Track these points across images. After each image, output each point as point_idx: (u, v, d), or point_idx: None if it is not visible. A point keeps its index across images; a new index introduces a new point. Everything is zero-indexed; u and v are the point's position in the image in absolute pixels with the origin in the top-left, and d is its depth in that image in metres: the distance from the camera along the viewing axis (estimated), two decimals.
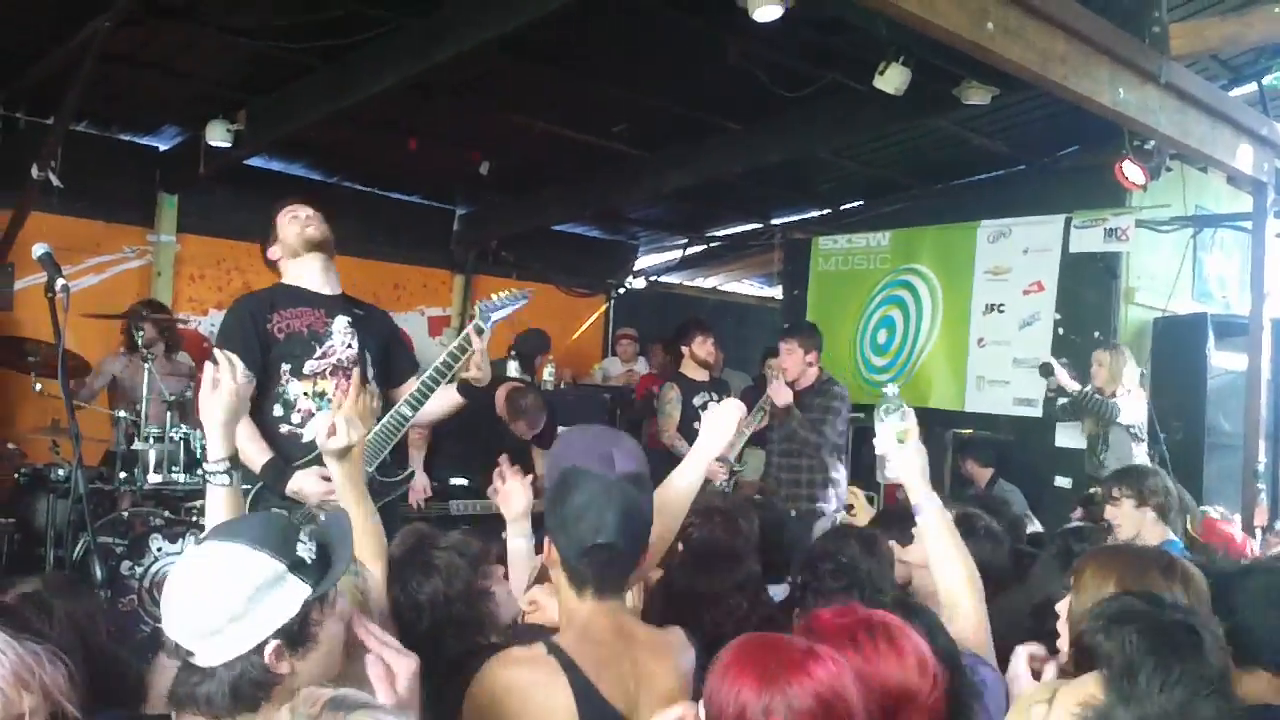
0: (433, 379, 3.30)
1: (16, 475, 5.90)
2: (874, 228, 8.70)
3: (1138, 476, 4.17)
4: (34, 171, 6.07)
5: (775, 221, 9.84)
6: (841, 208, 9.28)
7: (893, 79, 5.30)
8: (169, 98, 6.83)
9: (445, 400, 3.45)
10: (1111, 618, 1.72)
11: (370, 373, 3.49)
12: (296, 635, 1.71)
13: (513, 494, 2.99)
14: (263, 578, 1.69)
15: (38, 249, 3.16)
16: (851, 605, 1.92)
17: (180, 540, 5.19)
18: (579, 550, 2.06)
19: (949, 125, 7.03)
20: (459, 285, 9.55)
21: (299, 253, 3.54)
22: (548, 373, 8.34)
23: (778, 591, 3.28)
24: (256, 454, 3.27)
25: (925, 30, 4.10)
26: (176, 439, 5.58)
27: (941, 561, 2.56)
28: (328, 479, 3.03)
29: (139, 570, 5.20)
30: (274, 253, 3.61)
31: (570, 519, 2.05)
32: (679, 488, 2.53)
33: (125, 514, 5.44)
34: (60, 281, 3.08)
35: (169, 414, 5.64)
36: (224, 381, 2.34)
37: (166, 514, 5.48)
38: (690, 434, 6.58)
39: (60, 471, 5.58)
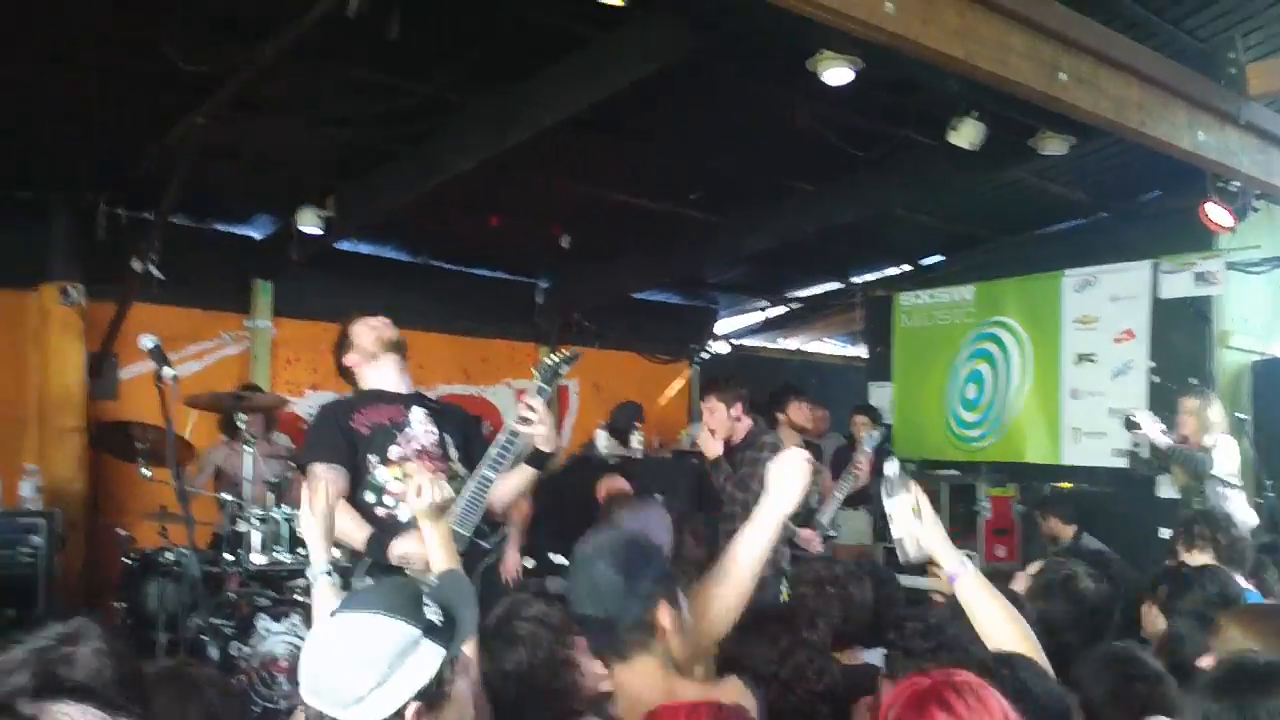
0: (509, 441, 3.44)
1: (127, 560, 6.09)
2: (956, 282, 8.65)
3: (1207, 522, 4.11)
4: (135, 265, 6.34)
5: (855, 280, 9.84)
6: (922, 263, 9.25)
7: (966, 134, 5.30)
8: (261, 188, 7.11)
9: (519, 477, 3.62)
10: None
11: (455, 454, 3.69)
12: (433, 695, 1.78)
13: None
14: (400, 643, 1.76)
15: (146, 341, 3.32)
16: (934, 669, 1.91)
17: (284, 619, 5.28)
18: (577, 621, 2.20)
19: (1027, 176, 6.99)
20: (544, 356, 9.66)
21: (376, 355, 3.77)
22: (635, 440, 8.38)
23: (873, 656, 3.26)
24: (356, 532, 3.45)
25: (998, 85, 4.13)
26: (279, 519, 5.70)
27: (991, 624, 2.41)
28: None
29: (247, 650, 5.30)
30: (350, 359, 3.84)
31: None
32: (743, 555, 2.52)
33: (232, 595, 5.55)
34: (169, 371, 3.22)
35: (270, 495, 5.78)
36: (318, 503, 2.58)
37: (271, 594, 5.57)
38: None
39: (169, 555, 5.74)
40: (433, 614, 1.84)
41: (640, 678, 2.13)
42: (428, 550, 2.63)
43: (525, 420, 3.43)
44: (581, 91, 5.18)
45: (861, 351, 10.45)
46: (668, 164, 6.87)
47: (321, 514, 2.65)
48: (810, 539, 5.98)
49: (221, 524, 5.84)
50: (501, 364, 9.43)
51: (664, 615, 2.17)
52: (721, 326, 11.40)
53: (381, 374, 3.80)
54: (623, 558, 2.24)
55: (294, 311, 8.08)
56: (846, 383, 10.96)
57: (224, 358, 7.66)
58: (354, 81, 5.43)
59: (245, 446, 5.84)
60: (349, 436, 3.62)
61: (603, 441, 7.85)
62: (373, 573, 3.45)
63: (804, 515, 6.04)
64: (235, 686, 2.87)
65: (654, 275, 9.22)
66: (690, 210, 7.69)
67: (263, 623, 5.33)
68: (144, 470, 5.95)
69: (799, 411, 6.36)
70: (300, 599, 5.28)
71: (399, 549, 3.39)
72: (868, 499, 7.64)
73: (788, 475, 2.58)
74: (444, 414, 3.86)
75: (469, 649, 2.35)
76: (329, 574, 2.61)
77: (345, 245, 7.78)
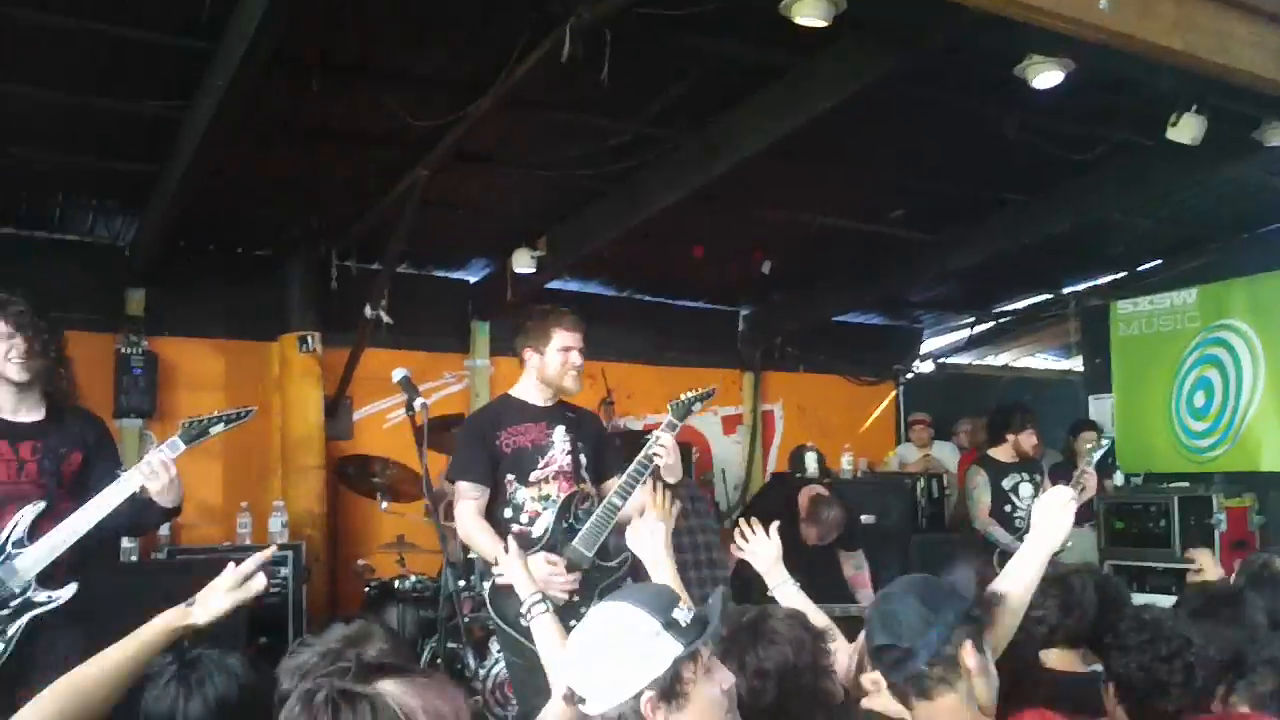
0: (638, 472, 3.71)
1: (366, 589, 6.46)
2: (1177, 286, 8.27)
3: None
4: (367, 312, 6.74)
5: (1067, 290, 9.51)
6: (1139, 269, 8.87)
7: (1187, 130, 5.09)
8: (476, 233, 7.47)
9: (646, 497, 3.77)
10: None
11: (586, 475, 3.99)
12: (669, 690, 1.87)
13: (758, 545, 3.11)
14: (639, 632, 1.88)
15: (397, 373, 3.58)
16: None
17: None
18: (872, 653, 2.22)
19: (1251, 170, 6.65)
20: (748, 383, 9.73)
21: (553, 386, 4.01)
22: (845, 462, 8.34)
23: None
24: (491, 546, 3.72)
25: (1222, 77, 3.98)
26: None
27: None
28: (553, 564, 3.69)
29: (482, 672, 5.55)
30: (529, 356, 4.06)
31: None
32: (1016, 591, 2.51)
33: (466, 619, 5.82)
34: (419, 400, 3.44)
35: None
36: (511, 558, 2.88)
37: None
38: (1001, 518, 6.43)
39: (407, 583, 6.07)
40: (681, 615, 1.93)
41: (943, 716, 2.12)
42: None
43: (657, 454, 3.68)
44: (782, 119, 5.26)
45: (1075, 365, 10.07)
46: (869, 184, 6.86)
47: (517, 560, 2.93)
48: None
49: (454, 551, 6.12)
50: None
51: (968, 655, 2.14)
52: (927, 345, 11.20)
53: (535, 390, 4.06)
54: (924, 591, 2.23)
55: (509, 350, 8.25)
56: (1060, 398, 10.59)
57: (447, 395, 8.04)
58: (563, 125, 5.67)
59: None
60: (493, 454, 3.91)
61: (812, 463, 7.86)
62: (500, 589, 3.73)
63: (1026, 532, 5.98)
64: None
65: (856, 297, 9.18)
66: (893, 229, 7.64)
67: (496, 646, 5.57)
68: (383, 504, 6.32)
69: (1029, 439, 6.23)
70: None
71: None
72: (1092, 515, 7.39)
73: (1054, 512, 2.59)
74: (581, 426, 4.10)
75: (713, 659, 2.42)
76: (542, 601, 2.81)
77: (555, 284, 8.05)
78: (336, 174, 6.26)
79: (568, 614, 3.45)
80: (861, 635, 2.52)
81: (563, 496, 3.91)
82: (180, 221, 6.17)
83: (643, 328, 9.00)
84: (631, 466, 3.74)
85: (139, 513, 3.48)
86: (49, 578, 3.32)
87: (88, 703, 1.64)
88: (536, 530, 3.87)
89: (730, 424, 9.65)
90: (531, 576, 2.95)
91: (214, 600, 2.01)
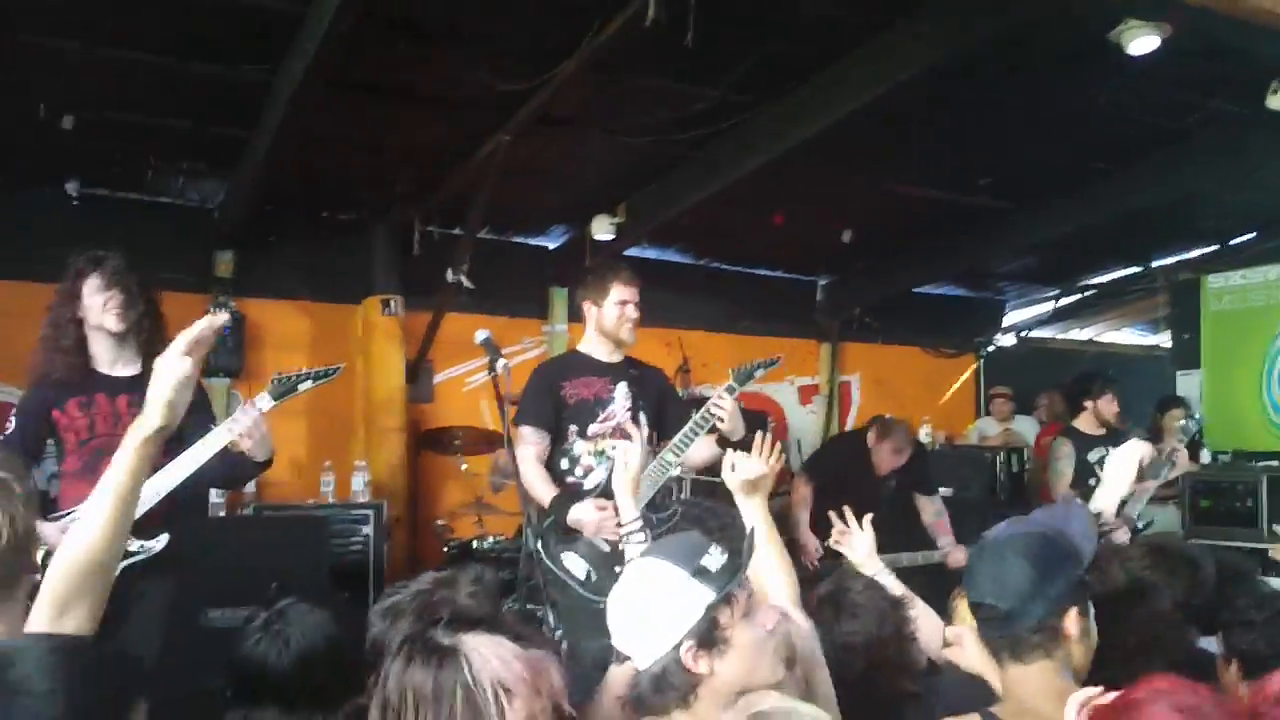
0: (693, 430, 3.83)
1: (445, 549, 6.57)
2: (1273, 259, 8.03)
3: None
4: (449, 276, 6.82)
5: (1156, 263, 9.28)
6: (1232, 242, 8.63)
7: None
8: (556, 199, 7.49)
9: (706, 450, 3.99)
10: None
11: (645, 432, 3.98)
12: (707, 637, 1.88)
13: (855, 538, 3.09)
14: (668, 585, 1.90)
15: (480, 334, 3.61)
16: None
17: None
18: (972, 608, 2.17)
19: None
20: (825, 354, 9.67)
21: (611, 338, 4.19)
22: (924, 434, 8.27)
23: (1209, 643, 3.11)
24: (546, 493, 3.94)
25: None
26: None
27: None
28: (603, 509, 3.73)
29: (558, 634, 5.61)
30: (587, 310, 4.24)
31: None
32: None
33: (540, 581, 5.89)
34: (501, 361, 3.48)
35: None
36: (632, 459, 2.82)
37: None
38: (1084, 492, 6.31)
39: (485, 543, 6.16)
40: (711, 560, 1.93)
41: (1036, 683, 2.07)
42: (748, 523, 2.71)
43: (716, 413, 3.79)
44: (867, 84, 5.19)
45: (1163, 340, 9.86)
46: (954, 153, 6.74)
47: (634, 470, 2.93)
48: (1117, 531, 5.75)
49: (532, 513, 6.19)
50: (784, 362, 9.48)
51: (1071, 622, 2.09)
52: (1010, 318, 11.03)
53: (600, 346, 4.23)
54: (1039, 554, 2.12)
55: None
56: (1146, 374, 10.38)
57: (526, 360, 8.12)
58: (646, 90, 5.65)
59: None
60: (557, 404, 4.07)
61: None
62: (551, 530, 3.92)
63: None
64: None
65: (938, 268, 9.06)
66: (978, 199, 7.51)
67: None
68: (463, 464, 6.40)
69: (1109, 406, 6.11)
70: None
71: (575, 514, 3.85)
72: (1177, 493, 7.24)
73: (1122, 466, 2.57)
74: (644, 384, 4.24)
75: (801, 628, 2.41)
76: (642, 530, 2.91)
77: (633, 251, 8.06)
78: (421, 138, 6.31)
79: (615, 560, 3.55)
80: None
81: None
82: (267, 185, 6.29)
83: (720, 296, 8.98)
84: (688, 425, 3.85)
85: (231, 467, 3.60)
86: (142, 528, 3.42)
87: (96, 553, 1.68)
88: (588, 483, 4.01)
89: (807, 394, 9.62)
90: (635, 503, 2.97)
91: (162, 395, 1.95)
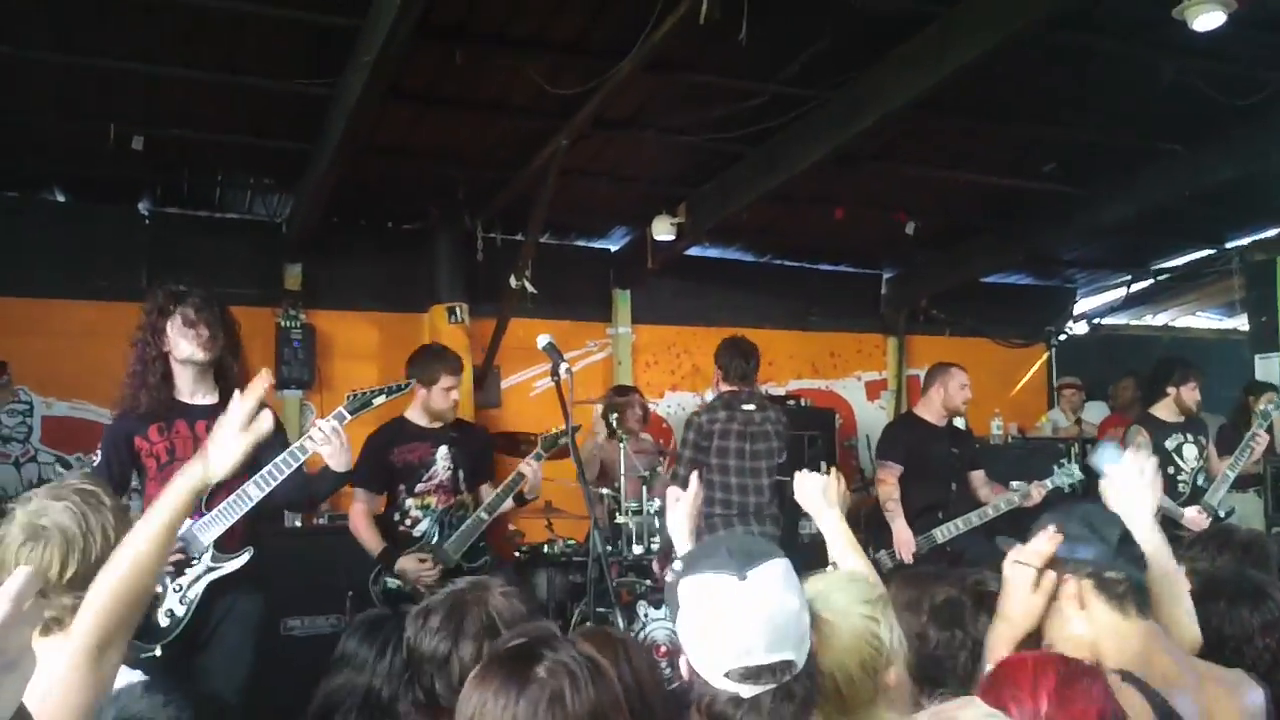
0: (503, 493, 4.87)
1: (517, 554, 6.60)
2: None
3: None
4: (512, 282, 6.87)
5: (1230, 244, 9.04)
6: None
7: None
8: (617, 202, 7.51)
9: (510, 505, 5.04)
10: None
11: (464, 487, 4.93)
12: None
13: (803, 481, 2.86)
14: (723, 591, 1.86)
15: (542, 339, 3.62)
16: None
17: (663, 606, 5.55)
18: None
19: None
20: (892, 348, 9.58)
21: (436, 416, 4.83)
22: (994, 426, 8.14)
23: None
24: (375, 545, 4.69)
25: None
26: (651, 512, 5.99)
27: None
28: (423, 560, 4.62)
29: (631, 635, 5.61)
30: (417, 388, 4.72)
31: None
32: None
33: (614, 584, 5.88)
34: (563, 365, 3.49)
35: (644, 489, 6.08)
36: (684, 500, 2.75)
37: (648, 582, 5.88)
38: (1162, 481, 6.14)
39: (555, 547, 6.18)
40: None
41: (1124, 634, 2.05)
42: (829, 538, 2.69)
43: (521, 478, 4.91)
44: (927, 71, 5.12)
45: (1240, 323, 9.60)
46: (1017, 138, 6.64)
47: (689, 508, 2.80)
48: (1196, 520, 5.64)
49: (602, 516, 6.19)
50: (849, 357, 9.43)
51: None
52: (1080, 306, 10.82)
53: (423, 413, 4.85)
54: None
55: (650, 317, 8.48)
56: (1225, 359, 10.12)
57: (591, 364, 8.15)
58: (702, 87, 5.63)
59: (620, 444, 6.18)
60: (387, 467, 4.73)
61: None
62: (381, 574, 4.71)
63: (1189, 496, 5.89)
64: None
65: (1004, 256, 8.90)
66: (1044, 184, 7.38)
67: (643, 609, 5.62)
68: None
69: (1191, 394, 5.95)
70: None
71: (400, 565, 4.63)
72: (1259, 480, 7.04)
73: (1130, 489, 2.50)
74: (464, 444, 4.96)
75: (898, 632, 2.31)
76: None
77: (694, 251, 8.05)
78: (479, 145, 6.38)
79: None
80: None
81: (440, 508, 4.82)
82: (332, 197, 6.38)
83: (782, 293, 8.94)
84: (499, 489, 4.87)
85: (310, 482, 3.67)
86: (224, 545, 3.59)
87: (139, 573, 1.69)
88: (415, 531, 4.77)
89: (874, 390, 9.53)
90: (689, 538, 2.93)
91: (227, 447, 1.98)
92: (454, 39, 4.98)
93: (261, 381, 2.27)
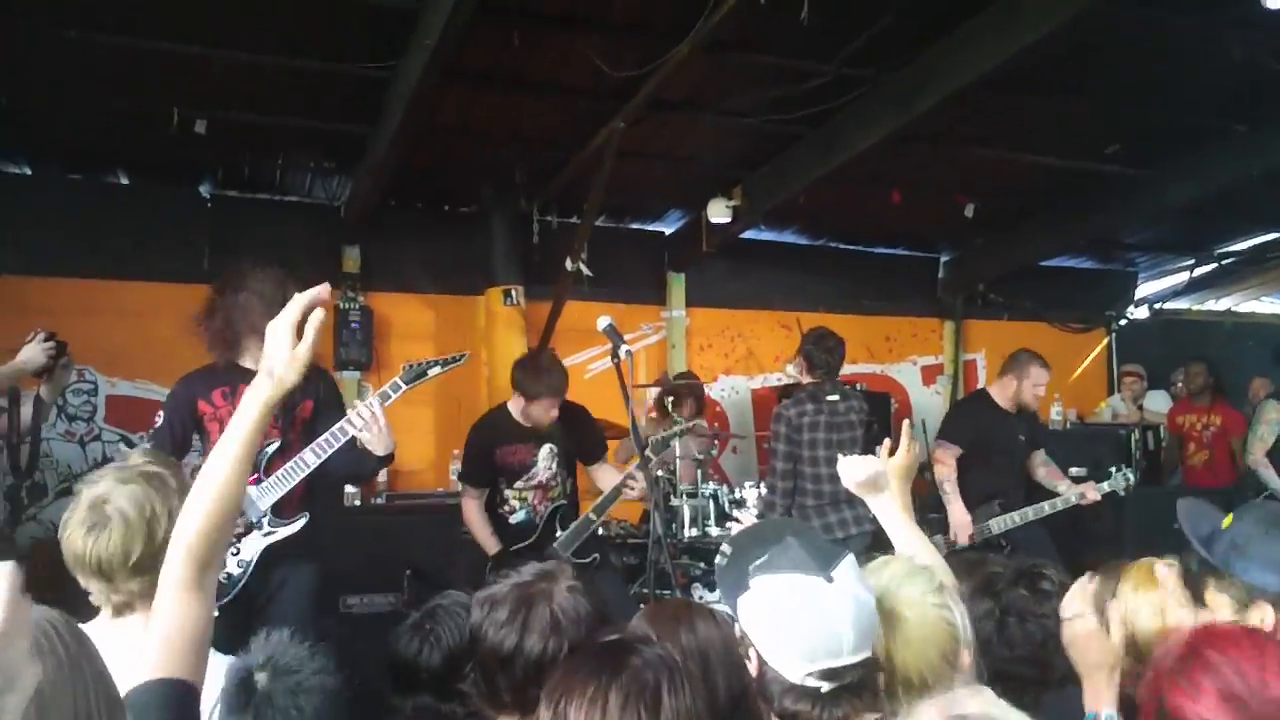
0: (610, 499, 4.89)
1: None
2: None
3: None
4: (568, 265, 6.87)
5: None
6: None
7: None
8: (673, 184, 7.49)
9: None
10: None
11: (566, 486, 5.16)
12: None
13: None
14: (809, 590, 1.83)
15: (602, 321, 3.62)
16: None
17: (717, 589, 5.55)
18: None
19: None
20: (949, 332, 9.47)
21: (535, 424, 4.86)
22: (1054, 412, 8.03)
23: None
24: (491, 544, 4.89)
25: None
26: (706, 495, 5.99)
27: None
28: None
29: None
30: (517, 395, 4.85)
31: None
32: None
33: (671, 564, 5.89)
34: (624, 348, 3.48)
35: (698, 472, 6.07)
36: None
37: (703, 565, 5.88)
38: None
39: (612, 528, 6.19)
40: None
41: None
42: (883, 521, 2.67)
43: (628, 486, 4.80)
44: (988, 51, 5.06)
45: None
46: (1080, 119, 6.53)
47: None
48: None
49: (659, 498, 6.19)
50: (906, 341, 9.34)
51: None
52: (1142, 290, 10.63)
53: (521, 414, 4.91)
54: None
55: (704, 300, 8.45)
56: None
57: (645, 347, 8.14)
58: (760, 68, 5.60)
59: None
60: (490, 467, 4.95)
61: None
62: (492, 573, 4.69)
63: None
64: None
65: (1065, 239, 8.77)
66: (1106, 166, 7.25)
67: (697, 591, 5.64)
68: None
69: None
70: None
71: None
72: None
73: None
74: (565, 436, 5.02)
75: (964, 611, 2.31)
76: None
77: (749, 234, 8.00)
78: (536, 128, 6.38)
79: None
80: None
81: (548, 507, 5.04)
82: (390, 180, 6.42)
83: (838, 276, 8.87)
84: (606, 494, 4.88)
85: (358, 460, 3.70)
86: (281, 510, 3.67)
87: (222, 497, 1.68)
88: (512, 520, 4.99)
89: (930, 374, 9.44)
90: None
91: (290, 356, 1.89)
92: (513, 20, 4.98)
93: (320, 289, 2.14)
